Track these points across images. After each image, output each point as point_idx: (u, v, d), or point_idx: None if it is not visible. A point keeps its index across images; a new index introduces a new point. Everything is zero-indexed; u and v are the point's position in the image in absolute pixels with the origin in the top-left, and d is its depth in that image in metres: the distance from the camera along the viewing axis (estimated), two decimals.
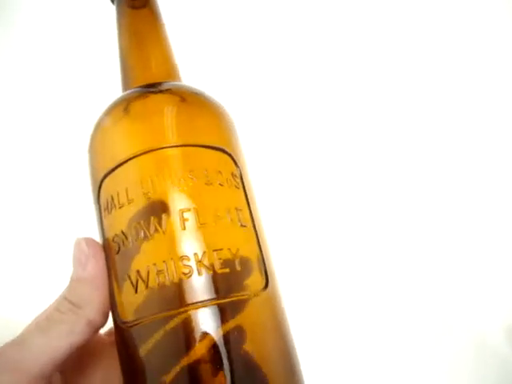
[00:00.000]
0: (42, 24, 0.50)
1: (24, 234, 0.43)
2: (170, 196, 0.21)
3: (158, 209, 0.21)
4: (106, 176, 0.23)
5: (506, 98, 0.46)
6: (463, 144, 0.45)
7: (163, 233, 0.21)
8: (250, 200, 0.23)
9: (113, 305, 0.22)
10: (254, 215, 0.23)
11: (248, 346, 0.20)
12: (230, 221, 0.21)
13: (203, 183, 0.22)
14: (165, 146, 0.22)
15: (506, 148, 0.45)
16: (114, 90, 0.27)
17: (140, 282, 0.20)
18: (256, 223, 0.23)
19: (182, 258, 0.20)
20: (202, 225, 0.21)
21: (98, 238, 0.23)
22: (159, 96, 0.25)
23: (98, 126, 0.25)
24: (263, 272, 0.22)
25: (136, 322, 0.20)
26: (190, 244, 0.20)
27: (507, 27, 0.48)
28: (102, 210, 0.23)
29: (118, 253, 0.22)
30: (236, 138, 0.25)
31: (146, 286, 0.20)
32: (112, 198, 0.22)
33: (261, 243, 0.23)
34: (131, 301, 0.21)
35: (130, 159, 0.22)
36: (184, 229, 0.21)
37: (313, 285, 0.41)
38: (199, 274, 0.20)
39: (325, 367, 0.38)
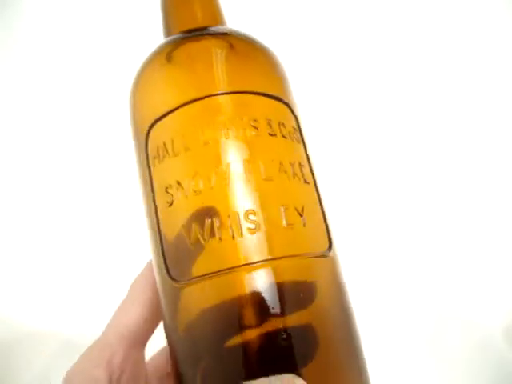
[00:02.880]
0: None
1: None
2: (233, 146, 0.19)
3: (219, 158, 0.19)
4: (156, 121, 0.20)
5: (506, 98, 0.46)
6: (478, 145, 0.45)
7: (226, 184, 0.19)
8: (309, 156, 0.22)
9: (164, 262, 0.20)
10: (314, 172, 0.21)
11: (311, 309, 0.19)
12: (294, 176, 0.20)
13: (267, 133, 0.20)
14: (227, 91, 0.20)
15: (506, 148, 0.45)
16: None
17: (199, 236, 0.19)
18: (317, 181, 0.21)
19: (247, 212, 0.18)
20: (266, 179, 0.19)
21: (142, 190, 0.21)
22: (212, 40, 0.22)
23: (145, 69, 0.22)
24: (326, 232, 0.20)
25: (189, 282, 0.19)
26: (254, 198, 0.19)
27: (507, 27, 0.47)
28: (151, 159, 0.20)
29: (171, 205, 0.20)
30: (290, 88, 0.23)
31: (205, 240, 0.19)
32: (165, 145, 0.20)
33: (322, 202, 0.21)
34: (186, 257, 0.19)
35: (190, 102, 0.20)
36: (248, 181, 0.19)
37: None
38: (264, 230, 0.18)
39: None
